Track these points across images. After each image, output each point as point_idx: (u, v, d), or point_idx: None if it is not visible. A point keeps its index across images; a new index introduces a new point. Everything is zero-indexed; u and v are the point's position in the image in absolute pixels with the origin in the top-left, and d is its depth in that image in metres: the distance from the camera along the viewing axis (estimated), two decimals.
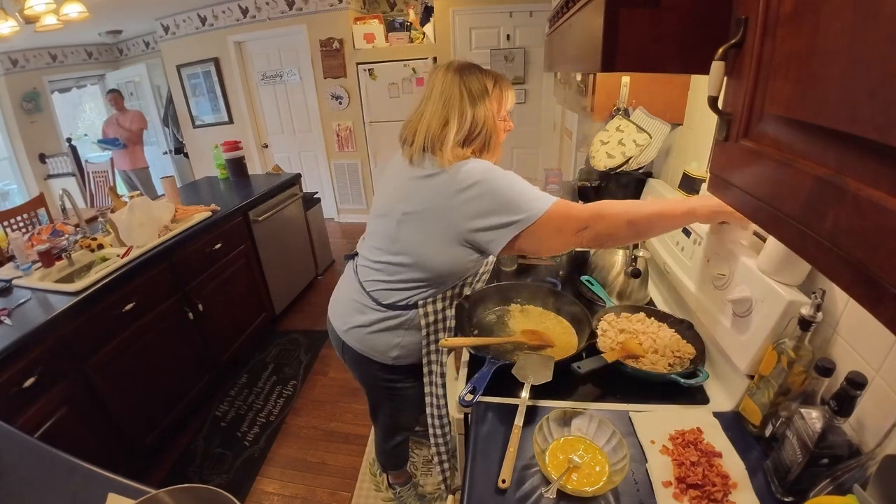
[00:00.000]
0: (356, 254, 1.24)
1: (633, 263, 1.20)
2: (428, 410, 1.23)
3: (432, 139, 1.00)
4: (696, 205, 0.92)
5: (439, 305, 1.12)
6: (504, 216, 0.94)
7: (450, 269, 1.08)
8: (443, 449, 1.25)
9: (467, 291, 1.17)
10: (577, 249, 1.41)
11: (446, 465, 1.28)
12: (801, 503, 0.65)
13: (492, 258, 1.22)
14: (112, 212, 2.08)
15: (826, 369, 0.67)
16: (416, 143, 1.02)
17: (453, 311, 1.14)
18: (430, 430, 1.24)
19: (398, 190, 1.08)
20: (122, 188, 4.62)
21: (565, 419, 0.84)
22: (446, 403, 1.20)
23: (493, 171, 0.97)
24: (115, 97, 4.35)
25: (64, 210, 2.06)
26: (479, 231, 0.98)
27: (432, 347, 1.16)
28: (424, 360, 1.18)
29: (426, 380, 1.20)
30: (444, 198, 0.98)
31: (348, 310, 1.20)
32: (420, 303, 1.10)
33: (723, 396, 0.93)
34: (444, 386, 1.19)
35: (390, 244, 1.10)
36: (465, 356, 1.07)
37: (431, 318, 1.12)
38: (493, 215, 0.95)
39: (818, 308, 0.72)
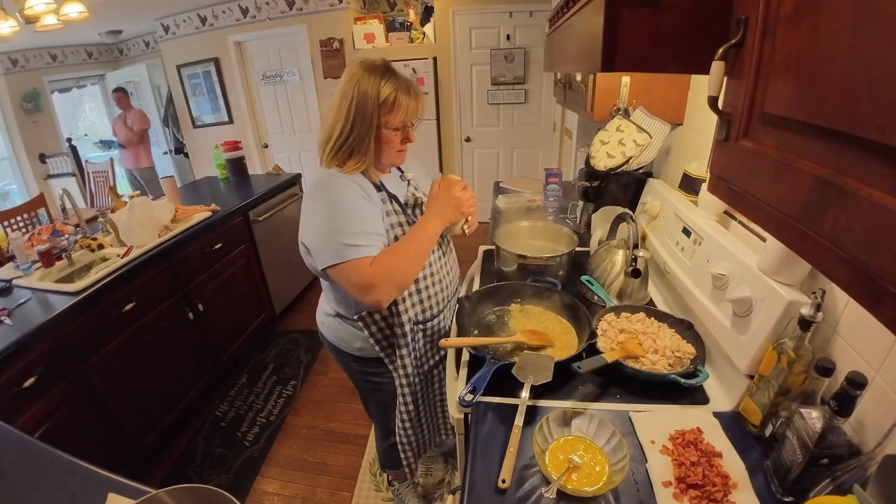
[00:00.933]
0: None
1: (633, 263, 1.20)
2: (397, 408, 1.25)
3: (319, 133, 1.05)
4: (430, 224, 1.06)
5: (377, 316, 1.11)
6: (322, 245, 0.98)
7: (314, 271, 1.08)
8: (405, 443, 1.29)
9: (403, 308, 1.11)
10: (576, 249, 1.41)
11: (411, 459, 1.33)
12: (801, 503, 0.65)
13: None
14: (112, 212, 2.08)
15: (826, 369, 0.67)
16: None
17: (398, 319, 1.11)
18: (396, 426, 1.27)
19: None
20: (126, 187, 4.64)
21: (565, 419, 0.84)
22: (410, 402, 1.22)
23: (339, 199, 0.99)
24: (119, 96, 4.38)
25: (64, 210, 2.06)
26: (308, 244, 1.02)
27: (388, 350, 1.17)
28: (389, 366, 1.20)
29: (395, 376, 1.21)
30: (306, 195, 1.04)
31: (322, 302, 1.26)
32: (356, 316, 1.12)
33: (723, 396, 0.93)
34: (407, 386, 1.20)
35: None
36: (465, 356, 1.07)
37: (374, 329, 1.13)
38: (317, 236, 1.00)
39: (818, 308, 0.72)
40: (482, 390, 0.91)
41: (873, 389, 0.69)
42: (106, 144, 4.41)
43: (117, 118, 4.49)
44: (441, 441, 1.47)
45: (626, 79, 1.58)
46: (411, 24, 3.95)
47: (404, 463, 1.33)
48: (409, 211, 1.14)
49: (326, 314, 1.23)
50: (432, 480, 1.76)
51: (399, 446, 1.30)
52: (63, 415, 1.52)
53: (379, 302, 0.98)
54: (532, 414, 0.89)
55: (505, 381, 0.94)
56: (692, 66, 0.59)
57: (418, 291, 1.14)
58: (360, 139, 1.01)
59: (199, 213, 2.31)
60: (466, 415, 0.95)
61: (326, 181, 1.02)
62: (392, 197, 1.10)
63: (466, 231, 1.18)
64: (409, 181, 1.20)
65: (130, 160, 4.57)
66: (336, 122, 1.01)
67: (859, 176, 0.34)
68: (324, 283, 1.18)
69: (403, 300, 1.11)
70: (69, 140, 5.12)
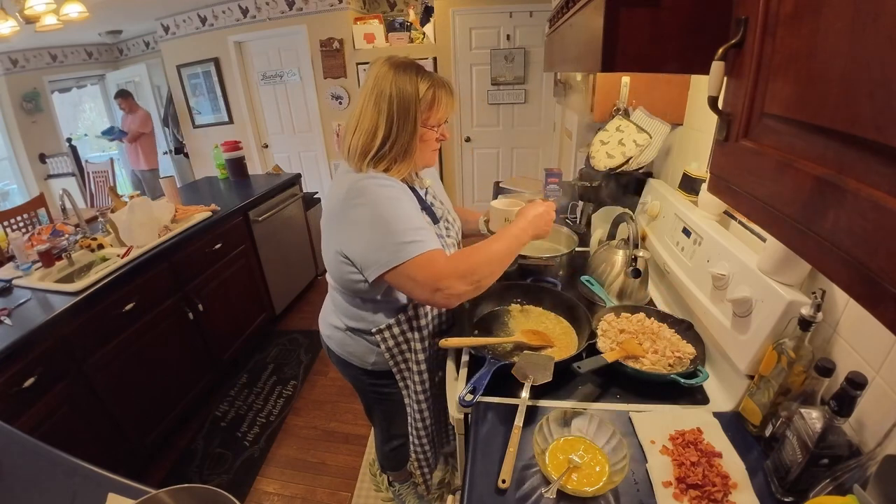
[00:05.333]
0: None
1: (633, 263, 1.20)
2: (409, 420, 1.23)
3: (352, 140, 0.98)
4: (524, 231, 1.01)
5: (396, 330, 1.10)
6: (376, 250, 0.92)
7: (345, 283, 1.04)
8: (422, 458, 1.28)
9: (422, 314, 1.10)
10: (576, 249, 1.41)
11: (426, 470, 1.31)
12: (801, 503, 0.65)
13: None
14: (112, 212, 2.08)
15: (826, 369, 0.67)
16: (345, 139, 1.01)
17: (418, 333, 1.10)
18: (411, 440, 1.26)
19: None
20: (128, 187, 4.66)
21: (565, 419, 0.84)
22: (427, 417, 1.21)
23: (383, 200, 0.92)
24: (121, 101, 4.40)
25: (64, 210, 2.06)
26: (353, 254, 0.96)
27: (402, 366, 1.16)
28: (399, 382, 1.18)
29: (404, 393, 1.20)
30: (338, 204, 0.96)
31: (328, 314, 1.21)
32: (374, 330, 1.10)
33: (723, 396, 0.93)
34: (424, 402, 1.18)
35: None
36: (465, 356, 1.07)
37: (391, 343, 1.11)
38: (367, 244, 0.93)
39: (818, 308, 0.72)
40: (482, 390, 0.91)
41: (873, 389, 0.69)
42: (107, 134, 4.46)
43: (123, 117, 4.54)
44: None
45: (626, 79, 1.58)
46: (411, 24, 3.95)
47: (419, 476, 1.31)
48: (438, 224, 1.10)
49: (335, 328, 1.18)
50: (432, 480, 1.76)
51: (416, 461, 1.29)
52: (63, 415, 1.52)
53: (450, 297, 0.90)
54: (532, 414, 0.89)
55: (505, 381, 0.94)
56: (692, 66, 0.59)
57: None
58: (407, 143, 0.96)
59: (199, 213, 2.31)
60: (466, 415, 0.94)
61: (363, 185, 0.94)
62: (426, 208, 1.06)
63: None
64: (426, 189, 1.14)
65: (132, 159, 4.62)
66: (377, 125, 0.95)
67: (859, 176, 0.34)
68: (335, 295, 1.15)
69: (426, 313, 1.09)
70: (69, 140, 5.12)
